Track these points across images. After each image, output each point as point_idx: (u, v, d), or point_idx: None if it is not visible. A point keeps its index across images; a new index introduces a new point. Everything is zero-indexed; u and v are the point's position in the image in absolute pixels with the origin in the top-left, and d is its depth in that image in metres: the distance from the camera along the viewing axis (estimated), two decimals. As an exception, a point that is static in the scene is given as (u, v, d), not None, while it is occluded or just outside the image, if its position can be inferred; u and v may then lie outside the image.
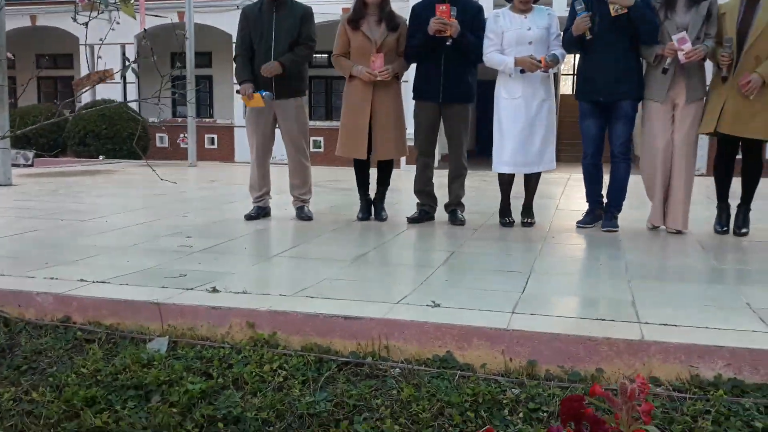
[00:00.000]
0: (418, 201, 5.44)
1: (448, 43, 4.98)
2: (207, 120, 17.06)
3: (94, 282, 3.37)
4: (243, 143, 15.50)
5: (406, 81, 5.54)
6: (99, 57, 13.18)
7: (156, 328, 3.00)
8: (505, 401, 2.43)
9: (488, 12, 5.30)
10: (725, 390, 2.43)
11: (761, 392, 2.44)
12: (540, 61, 4.83)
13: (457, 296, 3.18)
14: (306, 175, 5.48)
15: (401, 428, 2.33)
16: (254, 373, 2.62)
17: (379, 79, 5.05)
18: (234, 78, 15.24)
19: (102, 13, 3.33)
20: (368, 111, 5.15)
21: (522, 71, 4.92)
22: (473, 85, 5.23)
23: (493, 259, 4.16)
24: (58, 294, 3.17)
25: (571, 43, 4.90)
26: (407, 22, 5.26)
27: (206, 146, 16.25)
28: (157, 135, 16.65)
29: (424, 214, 5.36)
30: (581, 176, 5.29)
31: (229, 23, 15.59)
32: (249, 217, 5.38)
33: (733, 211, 5.03)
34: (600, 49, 4.83)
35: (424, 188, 5.38)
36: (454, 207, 5.34)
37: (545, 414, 2.35)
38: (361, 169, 5.44)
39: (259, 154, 5.45)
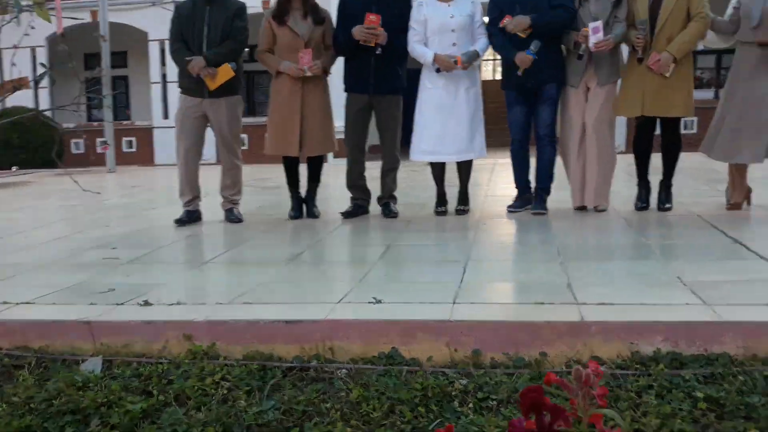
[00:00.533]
0: (352, 195, 5.40)
1: (377, 52, 4.97)
2: (125, 122, 16.51)
3: (17, 304, 3.21)
4: (163, 145, 15.10)
5: (330, 74, 5.47)
6: (13, 64, 12.61)
7: (88, 347, 2.87)
8: (453, 393, 2.42)
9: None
10: (665, 364, 2.49)
11: (698, 363, 2.52)
12: (456, 61, 4.85)
13: (398, 291, 3.16)
14: (237, 176, 5.36)
15: (353, 430, 2.29)
16: (196, 387, 2.53)
17: (308, 74, 4.98)
18: (152, 75, 14.64)
19: (15, 17, 3.17)
20: (298, 107, 5.07)
21: (438, 69, 4.94)
22: (404, 77, 5.23)
23: (430, 250, 4.16)
24: (-21, 319, 3.00)
25: (502, 51, 4.97)
26: (337, 15, 5.20)
27: (124, 149, 15.73)
28: (72, 141, 16.05)
29: (358, 208, 5.33)
30: (507, 161, 5.36)
31: (145, 21, 15.16)
32: (180, 222, 5.21)
33: (655, 188, 5.18)
34: (523, 39, 4.86)
35: (356, 182, 5.34)
36: (387, 200, 5.32)
37: (494, 402, 2.35)
38: (291, 166, 5.35)
39: (188, 157, 5.24)
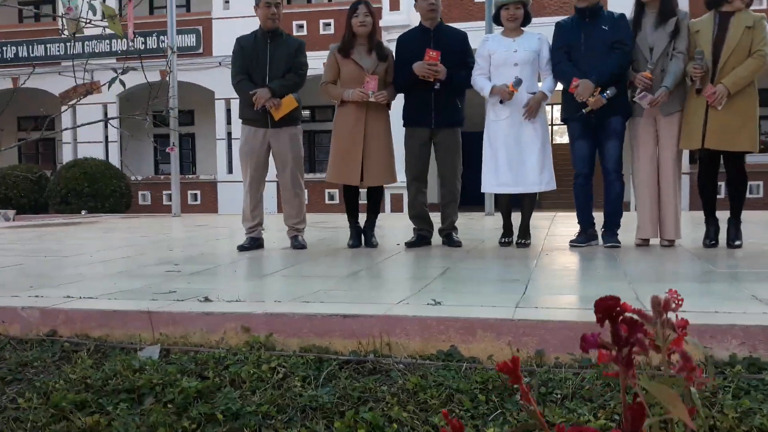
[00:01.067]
0: (414, 226, 5.40)
1: (436, 87, 5.05)
2: (189, 176, 17.02)
3: (81, 298, 3.26)
4: (226, 198, 15.46)
5: (390, 109, 5.55)
6: (85, 71, 13.22)
7: (147, 337, 2.88)
8: (516, 386, 2.33)
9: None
10: (742, 367, 2.35)
11: (779, 368, 2.37)
12: (512, 91, 4.88)
13: (458, 298, 3.10)
14: (300, 205, 5.43)
15: (409, 415, 2.22)
16: (252, 373, 2.50)
17: (372, 100, 5.06)
18: (217, 132, 15.16)
19: (84, 26, 3.31)
20: (361, 136, 5.14)
21: (501, 101, 4.96)
22: (463, 110, 5.29)
23: (491, 271, 4.09)
24: (44, 308, 3.05)
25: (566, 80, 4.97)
26: (395, 53, 5.32)
27: (189, 202, 16.16)
28: (140, 193, 16.57)
29: (421, 239, 5.32)
30: (567, 213, 5.28)
31: (212, 80, 15.73)
32: (242, 248, 5.27)
33: (723, 226, 5.03)
34: (589, 67, 4.85)
35: (419, 213, 5.35)
36: (449, 230, 5.31)
37: (559, 396, 2.25)
38: (351, 196, 5.39)
39: (252, 184, 5.36)
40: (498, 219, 5.44)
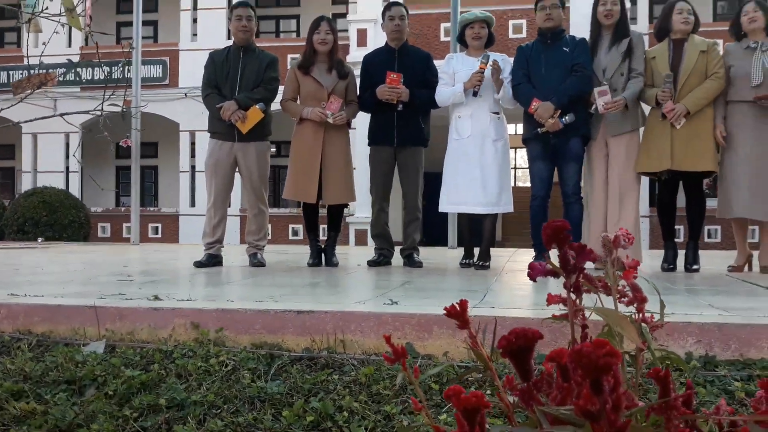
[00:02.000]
0: (376, 245, 5.37)
1: (399, 108, 5.07)
2: (151, 209, 16.80)
3: (26, 296, 3.14)
4: (188, 230, 15.25)
5: (354, 128, 5.56)
6: (40, 63, 12.99)
7: (92, 333, 2.77)
8: (470, 379, 2.28)
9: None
10: (699, 363, 2.34)
11: (734, 367, 2.36)
12: (482, 71, 4.88)
13: (416, 301, 3.05)
14: (263, 221, 5.36)
15: (361, 405, 2.15)
16: (199, 366, 2.41)
17: (331, 121, 5.04)
18: (181, 165, 14.95)
19: (39, 30, 3.26)
20: (319, 154, 5.11)
21: (475, 94, 4.94)
22: (427, 129, 5.30)
23: (450, 284, 4.06)
24: (-15, 303, 2.93)
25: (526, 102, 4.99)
26: (360, 73, 5.35)
27: (150, 234, 15.91)
28: (99, 224, 16.27)
29: (382, 258, 5.28)
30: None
31: (177, 112, 15.64)
32: (199, 264, 5.15)
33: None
34: (549, 89, 4.91)
35: (381, 232, 5.32)
36: (410, 251, 5.28)
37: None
38: (311, 214, 5.34)
39: (216, 200, 5.27)
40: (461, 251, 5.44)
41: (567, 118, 4.79)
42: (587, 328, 1.14)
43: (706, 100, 4.71)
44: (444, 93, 5.07)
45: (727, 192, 4.79)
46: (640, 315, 1.17)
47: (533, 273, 1.14)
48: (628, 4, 12.65)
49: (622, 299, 1.18)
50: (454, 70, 5.08)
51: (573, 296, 1.13)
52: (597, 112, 4.85)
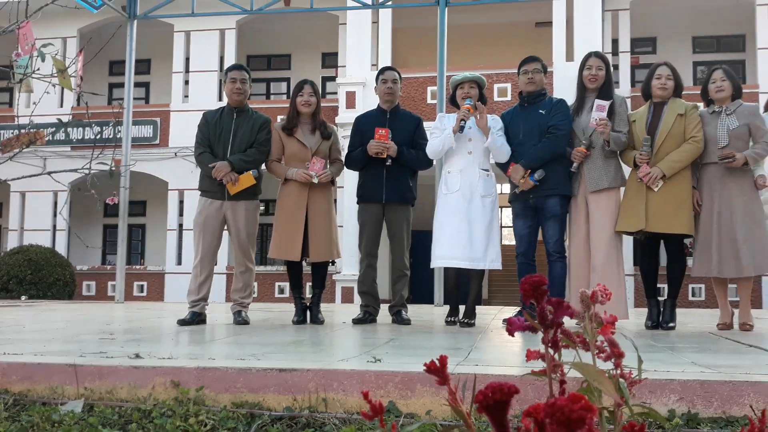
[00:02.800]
0: (362, 302, 5.35)
1: (387, 163, 5.16)
2: (137, 267, 16.68)
3: (5, 354, 3.09)
4: (175, 289, 15.12)
5: (342, 186, 5.60)
6: (30, 122, 12.99)
7: (71, 392, 2.72)
8: (454, 437, 2.25)
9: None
10: (681, 421, 2.32)
11: (717, 424, 2.35)
12: (469, 110, 4.94)
13: (399, 358, 3.03)
14: (249, 279, 5.34)
15: (342, 465, 2.11)
16: (178, 426, 2.37)
17: (316, 181, 5.09)
18: (169, 223, 14.89)
19: (30, 91, 3.31)
20: (303, 213, 5.15)
21: (462, 129, 4.97)
22: (414, 188, 5.37)
23: (435, 341, 4.04)
24: (-38, 361, 2.88)
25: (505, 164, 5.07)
26: (351, 132, 5.44)
27: (135, 293, 15.77)
28: (84, 283, 16.12)
29: (368, 316, 5.26)
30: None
31: (167, 171, 15.70)
32: (182, 322, 5.09)
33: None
34: (525, 152, 4.98)
35: (369, 289, 5.32)
36: (399, 308, 5.27)
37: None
38: (296, 272, 5.34)
39: (204, 257, 5.25)
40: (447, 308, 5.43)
41: (536, 174, 4.88)
42: (565, 384, 1.13)
43: (681, 163, 4.79)
44: (434, 142, 5.13)
45: (699, 251, 4.87)
46: (618, 370, 1.18)
47: (512, 328, 1.14)
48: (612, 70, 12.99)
49: (600, 355, 1.19)
50: (444, 127, 5.14)
51: (551, 351, 1.14)
52: (577, 171, 4.92)
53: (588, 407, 0.79)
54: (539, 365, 1.28)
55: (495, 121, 5.14)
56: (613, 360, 1.15)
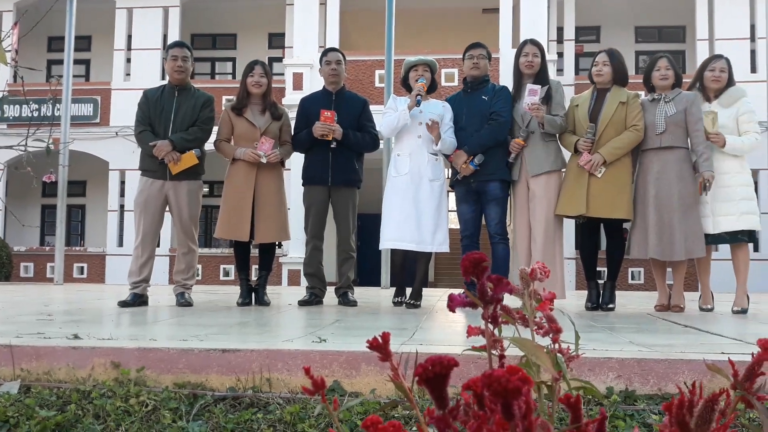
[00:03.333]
0: (308, 284, 5.33)
1: (332, 145, 5.13)
2: (77, 248, 16.28)
3: (-65, 336, 2.98)
4: (115, 270, 14.83)
5: (289, 169, 5.56)
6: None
7: (7, 373, 2.65)
8: (396, 416, 2.27)
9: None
10: (619, 398, 2.39)
11: (653, 401, 2.42)
12: (423, 87, 5.01)
13: (345, 338, 3.04)
14: (192, 260, 5.26)
15: (286, 444, 2.11)
16: (118, 406, 2.34)
17: (264, 161, 5.05)
18: (110, 204, 14.53)
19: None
20: (251, 193, 5.10)
21: (418, 104, 5.01)
22: (360, 171, 5.36)
23: (381, 322, 4.05)
24: None
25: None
26: (296, 114, 5.38)
27: (75, 275, 15.40)
28: (22, 264, 15.68)
29: (314, 297, 5.24)
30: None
31: (107, 150, 15.33)
32: (123, 304, 5.00)
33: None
34: (468, 137, 5.05)
35: (315, 271, 5.31)
36: (345, 289, 5.27)
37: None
38: (242, 253, 5.29)
39: (144, 238, 5.15)
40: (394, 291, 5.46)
41: (476, 159, 4.97)
42: (504, 359, 1.15)
43: (622, 150, 4.90)
44: (389, 118, 5.13)
45: (636, 234, 4.99)
46: (556, 346, 1.20)
47: (452, 304, 1.15)
48: (548, 56, 13.16)
49: (539, 330, 1.21)
50: (396, 109, 5.14)
51: (491, 327, 1.15)
52: (516, 161, 5.02)
53: (525, 378, 0.81)
54: (481, 342, 1.30)
55: (446, 109, 5.19)
56: (551, 335, 1.17)
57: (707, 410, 0.75)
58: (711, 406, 0.74)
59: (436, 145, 5.04)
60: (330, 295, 5.51)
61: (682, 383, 2.49)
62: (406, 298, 5.19)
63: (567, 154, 5.13)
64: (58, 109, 12.15)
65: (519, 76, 5.17)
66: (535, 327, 1.20)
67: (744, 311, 4.94)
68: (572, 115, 5.09)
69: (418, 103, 5.01)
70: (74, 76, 12.79)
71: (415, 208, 5.02)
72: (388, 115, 5.17)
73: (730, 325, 4.11)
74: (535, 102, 4.86)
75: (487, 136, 4.99)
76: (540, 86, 4.93)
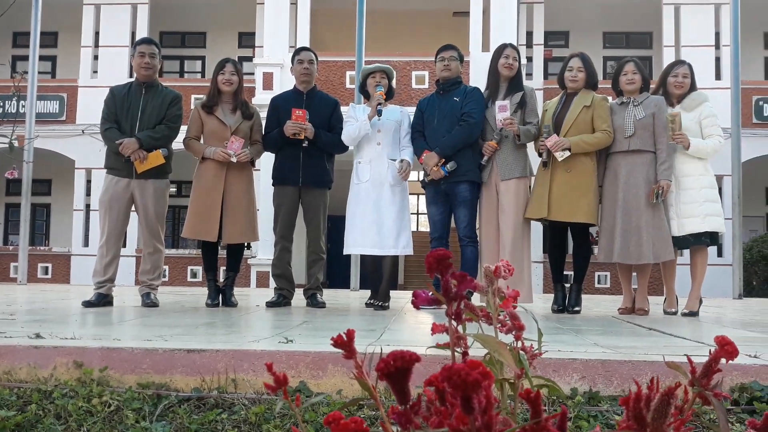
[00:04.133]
0: (276, 285, 5.31)
1: (304, 145, 5.13)
2: (41, 248, 16.02)
3: None
4: (81, 271, 14.61)
5: (259, 169, 5.54)
6: None
7: (-36, 374, 2.60)
8: (363, 416, 2.27)
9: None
10: (583, 399, 2.41)
11: (616, 402, 2.45)
12: (382, 95, 5.06)
13: (312, 339, 3.03)
14: (158, 260, 5.20)
15: (250, 444, 2.10)
16: (80, 406, 2.31)
17: (234, 160, 5.02)
18: (75, 203, 14.32)
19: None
20: (220, 193, 5.07)
21: (379, 114, 5.06)
22: (331, 172, 5.36)
23: (349, 324, 4.05)
24: None
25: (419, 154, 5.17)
26: (267, 113, 5.36)
27: (39, 275, 15.15)
28: (-17, 263, 15.39)
29: (282, 299, 5.22)
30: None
31: (73, 149, 15.11)
32: (88, 304, 4.92)
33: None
34: (439, 138, 5.09)
35: (283, 272, 5.28)
36: (314, 291, 5.26)
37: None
38: (210, 253, 5.25)
39: (109, 237, 5.08)
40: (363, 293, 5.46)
41: (449, 166, 5.00)
42: (467, 356, 1.16)
43: (589, 146, 4.96)
44: (350, 129, 5.18)
45: (603, 237, 5.05)
46: (519, 343, 1.21)
47: (417, 301, 1.16)
48: (523, 61, 13.29)
49: (502, 328, 1.22)
50: (356, 117, 5.19)
51: (454, 324, 1.16)
52: (487, 163, 5.06)
53: (485, 373, 0.81)
54: (446, 340, 1.30)
55: (404, 115, 5.28)
56: (513, 333, 1.18)
57: (663, 404, 0.76)
58: (667, 400, 0.75)
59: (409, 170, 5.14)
60: (298, 297, 5.50)
61: (645, 384, 2.53)
62: (378, 302, 5.20)
63: (537, 160, 5.17)
64: (23, 106, 11.95)
65: (496, 77, 5.21)
66: (499, 324, 1.21)
67: (694, 314, 5.00)
68: (541, 120, 5.14)
69: (379, 113, 5.04)
70: (40, 72, 12.59)
71: (377, 213, 5.06)
72: (349, 124, 5.21)
73: (693, 329, 4.18)
74: (507, 117, 4.92)
75: (458, 137, 5.03)
76: (509, 101, 5.00)
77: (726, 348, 0.98)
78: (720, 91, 11.79)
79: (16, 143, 3.93)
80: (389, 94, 5.32)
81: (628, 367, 2.55)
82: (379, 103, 5.02)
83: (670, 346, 3.07)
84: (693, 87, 5.19)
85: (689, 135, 4.97)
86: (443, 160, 5.00)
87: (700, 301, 5.13)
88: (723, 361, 1.05)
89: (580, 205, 4.95)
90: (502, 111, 4.95)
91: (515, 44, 5.35)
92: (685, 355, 2.65)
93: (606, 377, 2.54)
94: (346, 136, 5.19)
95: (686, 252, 5.52)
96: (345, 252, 5.22)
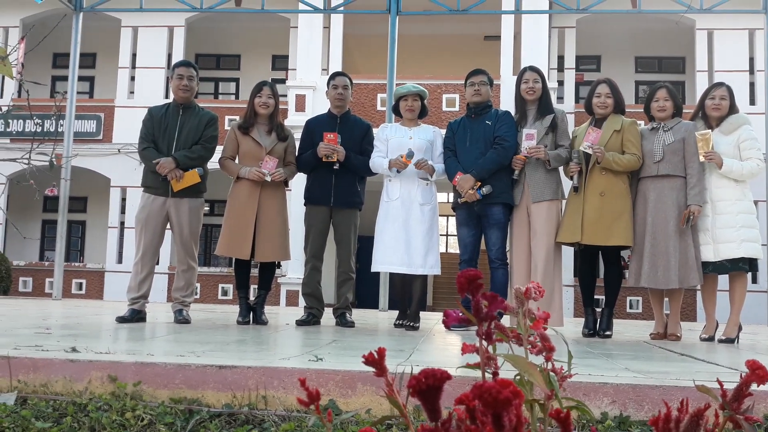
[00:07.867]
0: (306, 304, 5.35)
1: (335, 167, 5.18)
2: (76, 264, 16.27)
3: (-67, 346, 2.99)
4: (114, 288, 14.81)
5: (290, 189, 5.60)
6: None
7: (4, 384, 2.66)
8: (391, 435, 2.28)
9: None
10: (613, 423, 2.40)
11: (647, 427, 2.43)
12: (404, 161, 5.04)
13: (341, 358, 3.05)
14: (191, 278, 5.28)
15: (280, 461, 2.12)
16: (114, 420, 2.35)
17: (269, 179, 5.09)
18: (110, 220, 14.53)
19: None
20: (254, 211, 5.15)
21: (398, 171, 5.12)
22: (362, 193, 5.42)
23: (378, 343, 4.05)
24: None
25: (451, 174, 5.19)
26: (301, 135, 5.44)
27: (73, 291, 15.38)
28: (21, 279, 15.66)
29: (311, 318, 5.26)
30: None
31: (109, 167, 15.38)
32: (121, 320, 5.01)
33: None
34: (471, 161, 5.11)
35: (313, 291, 5.32)
36: (343, 310, 5.30)
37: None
38: (243, 271, 5.31)
39: (145, 254, 5.18)
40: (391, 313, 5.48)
41: (484, 189, 5.01)
42: (498, 376, 1.17)
43: (619, 165, 4.93)
44: (375, 161, 5.27)
45: (633, 262, 5.03)
46: (549, 365, 1.22)
47: (448, 320, 1.18)
48: (553, 84, 13.27)
49: (533, 349, 1.23)
50: (387, 138, 5.24)
51: (485, 344, 1.17)
52: (519, 179, 5.06)
53: (515, 391, 0.83)
54: (476, 360, 1.32)
55: (436, 135, 5.35)
56: (544, 354, 1.19)
57: (693, 425, 0.77)
58: (696, 421, 0.76)
59: (432, 177, 5.16)
60: (328, 316, 5.53)
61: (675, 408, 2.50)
62: (406, 322, 5.21)
63: (568, 184, 5.16)
64: (62, 125, 12.21)
65: (522, 102, 5.25)
66: (529, 346, 1.22)
67: (731, 341, 4.91)
68: (571, 147, 5.13)
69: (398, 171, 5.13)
70: (78, 92, 12.87)
71: (406, 231, 5.08)
72: (377, 151, 5.28)
73: (726, 355, 4.12)
74: (533, 147, 4.94)
75: (493, 161, 5.04)
76: (536, 130, 5.01)
77: (757, 372, 0.99)
78: (755, 116, 11.64)
79: (55, 161, 4.03)
80: (422, 113, 5.36)
81: (659, 392, 2.53)
82: (400, 169, 5.10)
83: (703, 372, 3.03)
84: (733, 109, 5.08)
85: (726, 159, 4.90)
86: (479, 183, 5.01)
87: (740, 328, 5.02)
88: (755, 386, 1.06)
89: (614, 228, 4.93)
90: (528, 140, 4.97)
91: (536, 66, 5.34)
92: (716, 380, 2.63)
93: (637, 402, 2.52)
94: (372, 165, 5.28)
95: (722, 279, 5.43)
96: (373, 269, 5.24)
